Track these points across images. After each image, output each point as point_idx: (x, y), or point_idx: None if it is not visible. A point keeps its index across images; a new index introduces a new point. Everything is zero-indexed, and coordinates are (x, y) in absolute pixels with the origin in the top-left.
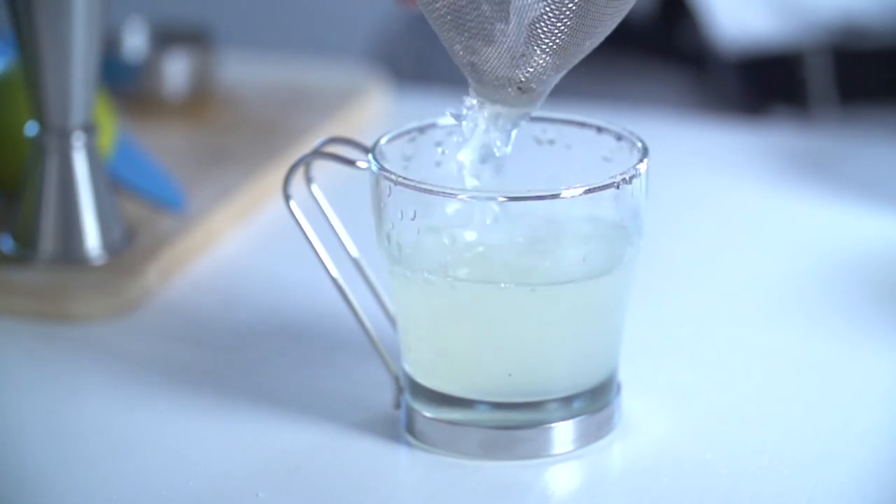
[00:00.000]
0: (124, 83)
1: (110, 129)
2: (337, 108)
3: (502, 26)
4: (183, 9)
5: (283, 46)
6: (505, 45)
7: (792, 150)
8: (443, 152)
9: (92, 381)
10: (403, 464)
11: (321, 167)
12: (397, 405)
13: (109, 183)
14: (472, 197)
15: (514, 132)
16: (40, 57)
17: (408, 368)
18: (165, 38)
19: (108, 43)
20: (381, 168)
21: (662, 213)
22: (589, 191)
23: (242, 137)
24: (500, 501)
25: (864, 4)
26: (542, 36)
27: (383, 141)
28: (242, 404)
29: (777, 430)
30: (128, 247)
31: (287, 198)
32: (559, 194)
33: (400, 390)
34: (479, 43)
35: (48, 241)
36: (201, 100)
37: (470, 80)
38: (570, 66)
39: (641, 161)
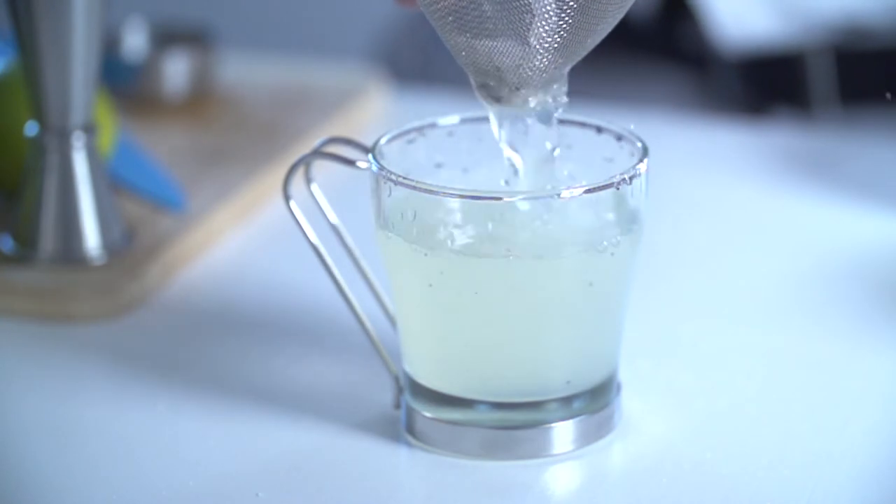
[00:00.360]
0: (124, 83)
1: (110, 129)
2: (337, 108)
3: (504, 26)
4: (183, 9)
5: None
6: (507, 44)
7: (793, 151)
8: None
9: (92, 381)
10: (403, 464)
11: (321, 167)
12: (397, 405)
13: (109, 183)
14: (472, 197)
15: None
16: (40, 57)
17: (408, 368)
18: (165, 38)
19: (108, 43)
20: (381, 168)
21: (662, 213)
22: (589, 191)
23: (242, 137)
24: (500, 501)
25: (865, 5)
26: (545, 34)
27: (383, 141)
28: (242, 404)
29: (777, 430)
30: (128, 247)
31: (287, 198)
32: (559, 194)
33: (400, 390)
34: (481, 42)
35: (48, 241)
36: (201, 100)
37: (472, 80)
38: (572, 64)
39: (641, 161)
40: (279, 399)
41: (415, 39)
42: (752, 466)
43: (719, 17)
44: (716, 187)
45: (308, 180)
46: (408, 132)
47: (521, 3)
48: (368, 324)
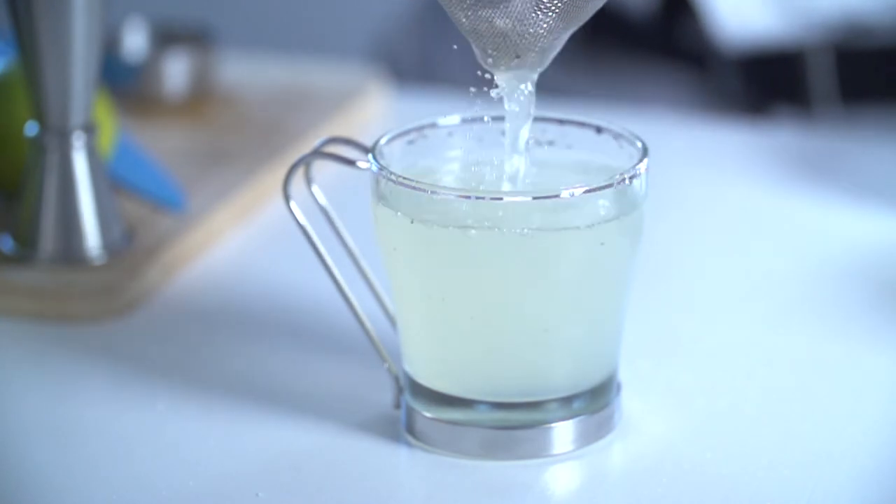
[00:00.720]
0: (124, 83)
1: (110, 129)
2: (337, 108)
3: None
4: (183, 9)
5: (284, 46)
6: (509, 10)
7: (794, 149)
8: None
9: (92, 381)
10: (403, 464)
11: (321, 167)
12: (397, 405)
13: (109, 183)
14: (472, 197)
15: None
16: (40, 57)
17: (408, 368)
18: (165, 38)
19: (108, 43)
20: (381, 168)
21: (662, 213)
22: (589, 191)
23: (242, 137)
24: (500, 501)
25: (866, 3)
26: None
27: (383, 141)
28: (242, 404)
29: (777, 430)
30: (128, 247)
31: (287, 198)
32: (559, 194)
33: (400, 390)
34: (483, 9)
35: (48, 241)
36: (201, 100)
37: (474, 48)
38: (572, 30)
39: (641, 161)
40: (279, 399)
41: (415, 39)
42: (752, 466)
43: (719, 16)
44: (716, 186)
45: (308, 180)
46: (408, 132)
47: None
48: (368, 324)
